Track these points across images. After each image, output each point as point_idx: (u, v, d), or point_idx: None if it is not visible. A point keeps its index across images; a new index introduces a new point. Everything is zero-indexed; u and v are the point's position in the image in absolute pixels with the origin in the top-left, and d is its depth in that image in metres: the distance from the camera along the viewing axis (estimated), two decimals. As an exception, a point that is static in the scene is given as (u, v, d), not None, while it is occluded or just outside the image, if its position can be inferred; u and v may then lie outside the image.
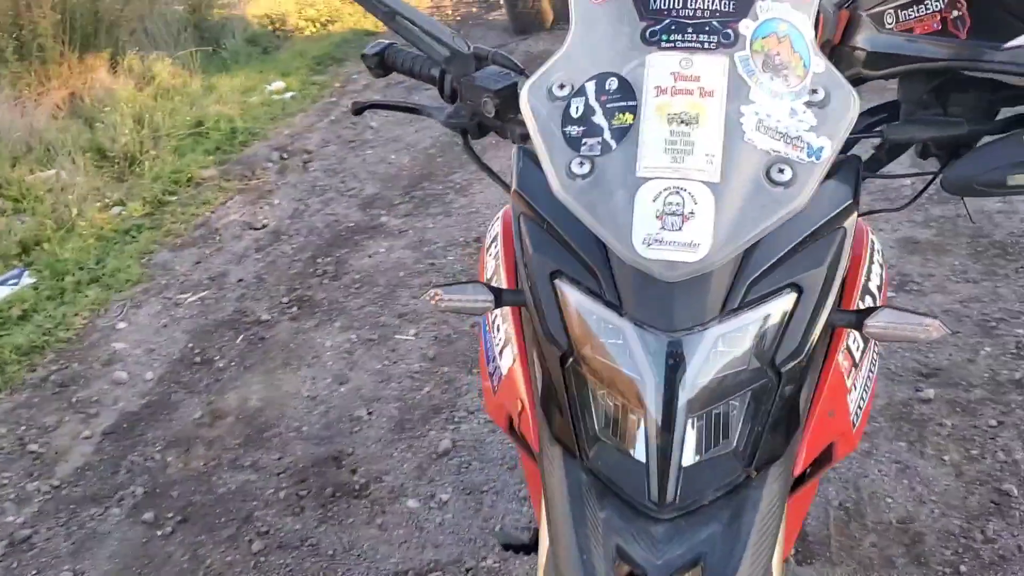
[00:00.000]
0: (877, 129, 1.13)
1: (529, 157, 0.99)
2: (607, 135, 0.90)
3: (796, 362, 0.92)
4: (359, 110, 1.38)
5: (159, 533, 2.62)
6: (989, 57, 0.99)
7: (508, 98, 1.20)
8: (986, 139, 1.09)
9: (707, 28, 0.90)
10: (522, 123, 1.12)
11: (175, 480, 2.78)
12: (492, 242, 1.27)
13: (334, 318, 3.54)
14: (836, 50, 1.17)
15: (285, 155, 5.04)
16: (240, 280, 3.91)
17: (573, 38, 0.96)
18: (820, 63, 0.92)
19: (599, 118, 0.91)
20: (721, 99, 0.88)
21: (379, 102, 1.38)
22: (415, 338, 3.34)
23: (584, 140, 0.91)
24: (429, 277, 3.67)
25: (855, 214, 0.96)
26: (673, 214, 0.85)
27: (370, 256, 3.94)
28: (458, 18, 6.85)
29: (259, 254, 4.09)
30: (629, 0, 0.93)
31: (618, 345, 0.91)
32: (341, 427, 2.93)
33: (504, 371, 1.14)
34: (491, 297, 1.03)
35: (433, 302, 1.05)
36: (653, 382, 0.89)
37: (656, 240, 0.85)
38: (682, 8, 0.91)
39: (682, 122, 0.87)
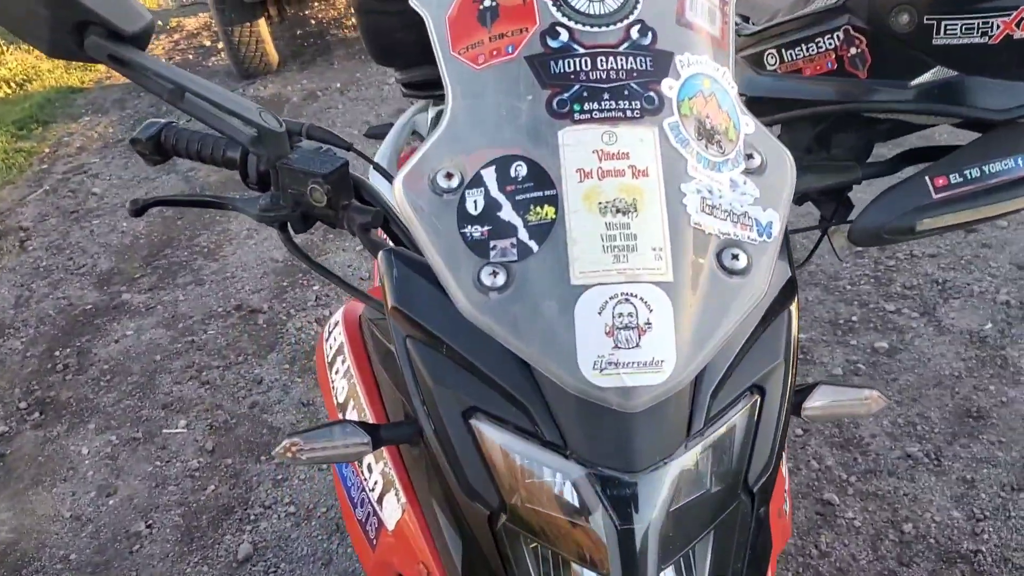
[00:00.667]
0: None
1: (404, 262, 0.79)
2: (523, 235, 0.71)
3: (768, 476, 0.77)
4: (139, 210, 1.10)
5: None
6: (897, 97, 0.89)
7: (339, 182, 0.98)
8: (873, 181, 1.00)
9: (626, 92, 0.74)
10: (360, 211, 0.91)
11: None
12: (337, 355, 1.05)
13: (86, 419, 3.10)
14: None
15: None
16: (-36, 386, 3.36)
17: (453, 112, 0.77)
18: (749, 121, 0.78)
19: (508, 214, 0.72)
20: (658, 178, 0.72)
21: (165, 199, 1.11)
22: (187, 430, 2.97)
23: (493, 243, 0.72)
24: (191, 357, 3.30)
25: (795, 288, 0.83)
26: (626, 328, 0.68)
27: (117, 341, 3.50)
28: (174, 66, 6.39)
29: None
30: (523, 63, 0.74)
31: (565, 494, 0.72)
32: (118, 548, 2.54)
33: (390, 523, 0.92)
34: (366, 439, 0.82)
35: (291, 455, 0.81)
36: (615, 534, 0.71)
37: (611, 363, 0.68)
38: (591, 70, 0.74)
39: (618, 211, 0.70)
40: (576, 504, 0.72)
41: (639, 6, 0.76)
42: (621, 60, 0.74)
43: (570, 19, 0.75)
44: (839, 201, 1.04)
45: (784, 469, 1.02)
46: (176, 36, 7.11)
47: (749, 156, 0.77)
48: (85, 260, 4.15)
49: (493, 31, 0.76)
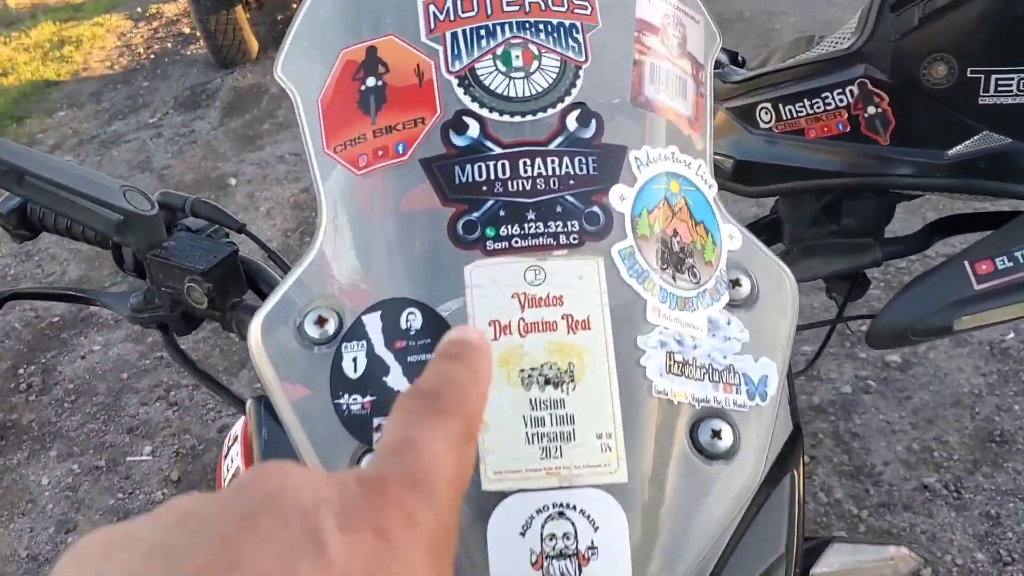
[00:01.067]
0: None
1: (275, 420, 0.58)
2: (418, 413, 0.50)
3: None
4: (-3, 302, 0.90)
5: None
6: (928, 171, 0.68)
7: (224, 277, 0.78)
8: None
9: (559, 209, 0.53)
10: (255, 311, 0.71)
11: None
12: (233, 479, 0.84)
13: (48, 445, 2.91)
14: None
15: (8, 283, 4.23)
16: (-77, 410, 3.17)
17: (328, 233, 0.56)
18: (733, 232, 0.58)
19: (398, 380, 0.52)
20: (603, 331, 0.51)
21: (25, 291, 0.91)
22: (152, 457, 2.79)
23: (377, 422, 0.52)
24: (159, 375, 3.11)
25: (800, 443, 0.63)
26: (561, 555, 0.48)
27: (83, 357, 3.31)
28: (152, 56, 6.11)
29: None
30: (417, 169, 0.54)
31: None
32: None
33: None
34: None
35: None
36: None
37: (538, 606, 0.47)
38: (510, 178, 0.53)
39: (548, 382, 0.50)
40: None
41: (578, 82, 0.55)
42: (553, 163, 0.53)
43: (483, 105, 0.54)
44: (854, 282, 0.83)
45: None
46: (155, 24, 6.86)
47: (735, 283, 0.56)
48: (54, 268, 3.95)
49: (379, 122, 0.55)
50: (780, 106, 0.75)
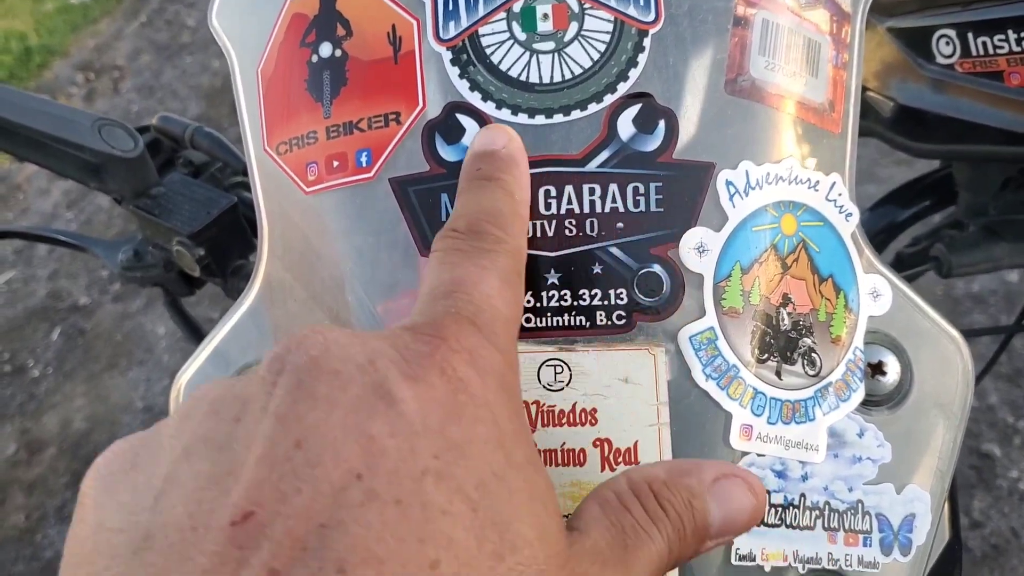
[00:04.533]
0: (924, 248, 0.59)
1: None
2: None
3: None
4: (-12, 237, 0.78)
5: (-23, 620, 2.13)
6: None
7: (222, 237, 0.63)
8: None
9: (597, 269, 0.34)
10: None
11: (-10, 546, 2.28)
12: None
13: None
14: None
15: (92, 75, 4.22)
16: (51, 250, 3.24)
17: (268, 275, 0.39)
18: (879, 284, 0.37)
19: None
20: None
21: (16, 231, 0.78)
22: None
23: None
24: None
25: (958, 563, 0.44)
26: None
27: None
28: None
29: (71, 212, 3.40)
30: (387, 192, 0.35)
31: None
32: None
33: None
34: None
35: None
36: None
37: None
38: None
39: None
40: None
41: (641, 59, 0.34)
42: (592, 193, 0.34)
43: (487, 96, 0.35)
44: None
45: None
46: None
47: (876, 368, 0.36)
48: (175, 104, 3.92)
49: (335, 115, 0.36)
50: (969, 35, 0.52)
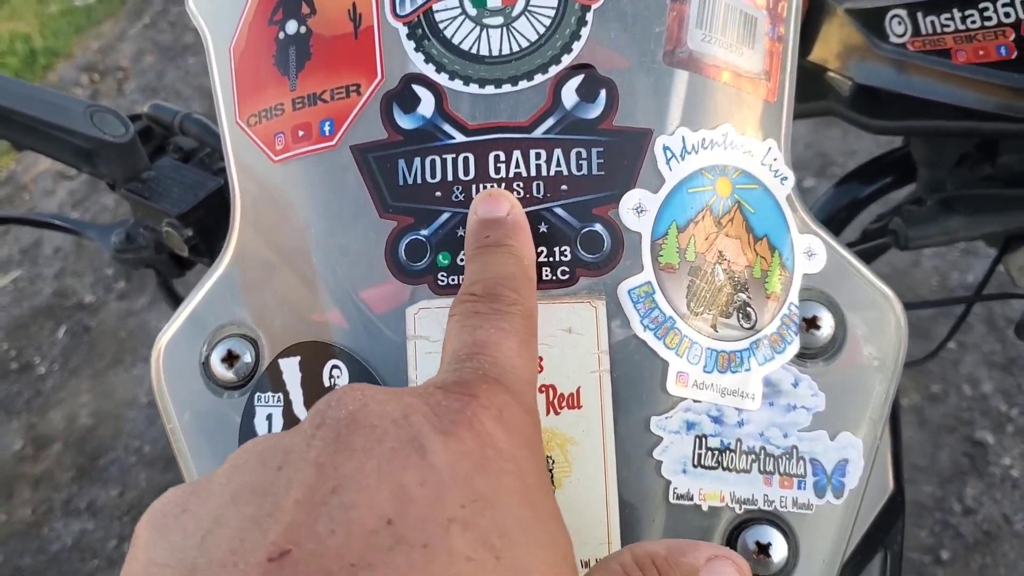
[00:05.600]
0: (886, 223, 0.61)
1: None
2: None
3: None
4: (-16, 222, 0.81)
5: (-15, 615, 2.15)
6: None
7: (210, 217, 0.65)
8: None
9: (543, 228, 0.37)
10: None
11: (-2, 540, 2.29)
12: None
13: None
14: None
15: (96, 76, 4.25)
16: (57, 249, 3.26)
17: (241, 241, 0.42)
18: (814, 244, 0.40)
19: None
20: (598, 410, 0.35)
21: (11, 217, 0.80)
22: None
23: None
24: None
25: (900, 513, 0.46)
26: None
27: (208, 199, 3.32)
28: None
29: (76, 211, 3.43)
30: (348, 158, 0.37)
31: None
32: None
33: None
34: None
35: None
36: None
37: None
38: (476, 179, 0.37)
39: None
40: None
41: (584, 32, 0.37)
42: (538, 157, 0.36)
43: (440, 67, 0.37)
44: (1007, 248, 0.63)
45: None
46: None
47: (810, 323, 0.39)
48: (179, 104, 3.92)
49: (300, 87, 0.39)
50: (919, 15, 0.54)
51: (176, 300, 0.78)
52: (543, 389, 0.36)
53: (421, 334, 0.36)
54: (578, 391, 0.36)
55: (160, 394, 0.42)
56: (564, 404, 0.36)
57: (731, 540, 0.37)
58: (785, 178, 0.39)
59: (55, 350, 2.87)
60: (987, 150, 0.61)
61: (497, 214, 0.35)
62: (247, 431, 0.40)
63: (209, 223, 0.66)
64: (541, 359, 0.36)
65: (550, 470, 0.35)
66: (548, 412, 0.36)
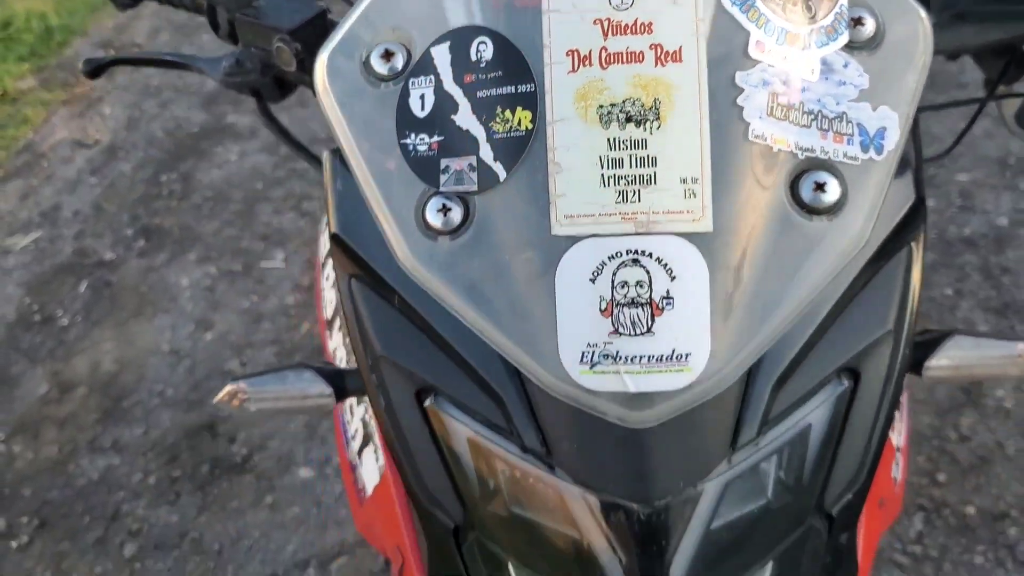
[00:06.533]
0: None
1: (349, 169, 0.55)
2: (486, 152, 0.47)
3: (855, 493, 0.53)
4: (94, 71, 0.89)
5: (14, 545, 2.22)
6: None
7: (313, 37, 0.75)
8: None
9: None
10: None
11: (26, 476, 2.35)
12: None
13: (187, 247, 3.04)
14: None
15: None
16: (76, 212, 3.35)
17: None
18: (861, -39, 0.49)
19: (467, 118, 0.48)
20: (697, 64, 0.45)
21: (123, 58, 0.90)
22: (284, 265, 2.87)
23: (445, 163, 0.48)
24: (291, 186, 3.18)
25: (922, 216, 0.56)
26: (632, 304, 0.44)
27: (219, 167, 3.40)
28: None
29: (94, 177, 3.51)
30: None
31: (553, 515, 0.50)
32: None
33: (368, 485, 0.73)
34: (327, 390, 0.61)
35: (236, 404, 0.62)
36: (619, 569, 0.50)
37: (607, 356, 0.44)
38: None
39: (630, 120, 0.45)
40: (570, 533, 0.50)
41: None
42: None
43: None
44: (1011, 57, 0.73)
45: (904, 417, 0.77)
46: None
47: (856, 21, 0.49)
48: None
49: None
50: None
51: (274, 122, 0.87)
52: (653, 47, 0.45)
53: (554, 8, 0.46)
54: (680, 49, 0.45)
55: (325, 96, 0.51)
56: (669, 59, 0.45)
57: (794, 181, 0.47)
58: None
59: (77, 303, 2.94)
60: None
61: None
62: (403, 110, 0.49)
63: (314, 42, 0.75)
64: (650, 24, 0.46)
65: (658, 108, 0.45)
66: (657, 64, 0.45)
